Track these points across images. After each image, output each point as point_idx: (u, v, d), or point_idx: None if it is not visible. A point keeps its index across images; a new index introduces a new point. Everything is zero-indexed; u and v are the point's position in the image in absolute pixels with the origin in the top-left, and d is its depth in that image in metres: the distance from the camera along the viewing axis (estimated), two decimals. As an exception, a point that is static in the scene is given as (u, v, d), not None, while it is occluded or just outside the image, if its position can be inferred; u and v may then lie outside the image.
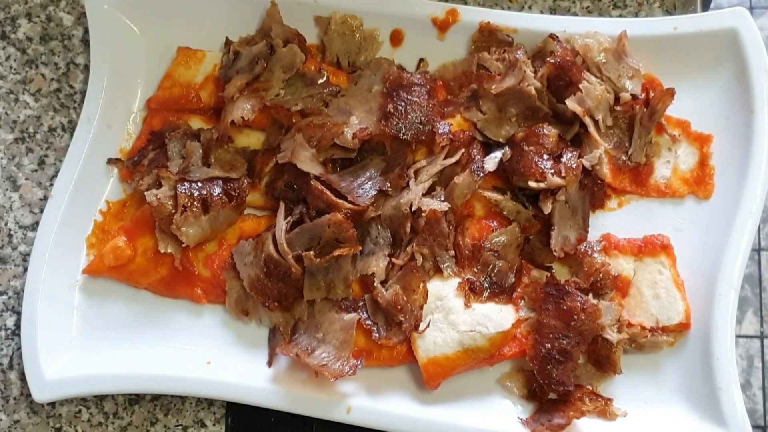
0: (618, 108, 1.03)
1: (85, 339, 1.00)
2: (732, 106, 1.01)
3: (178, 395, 1.02)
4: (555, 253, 0.99)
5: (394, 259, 0.99)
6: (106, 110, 1.03)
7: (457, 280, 0.99)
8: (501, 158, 1.01)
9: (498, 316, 0.97)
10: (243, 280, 0.99)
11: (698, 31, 1.00)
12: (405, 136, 1.00)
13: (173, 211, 0.97)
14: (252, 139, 1.04)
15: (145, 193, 0.98)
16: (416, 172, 1.01)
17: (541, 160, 0.99)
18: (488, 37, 1.05)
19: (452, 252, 1.00)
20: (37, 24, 1.10)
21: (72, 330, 1.00)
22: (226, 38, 1.05)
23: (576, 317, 0.96)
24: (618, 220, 1.04)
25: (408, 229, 0.99)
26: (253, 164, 1.03)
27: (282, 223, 0.98)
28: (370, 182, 1.00)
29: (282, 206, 1.00)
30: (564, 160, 0.99)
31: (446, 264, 1.00)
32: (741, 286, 0.97)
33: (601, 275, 0.99)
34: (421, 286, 0.98)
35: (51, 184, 1.07)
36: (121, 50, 1.05)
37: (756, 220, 0.98)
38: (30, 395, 0.96)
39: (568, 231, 1.00)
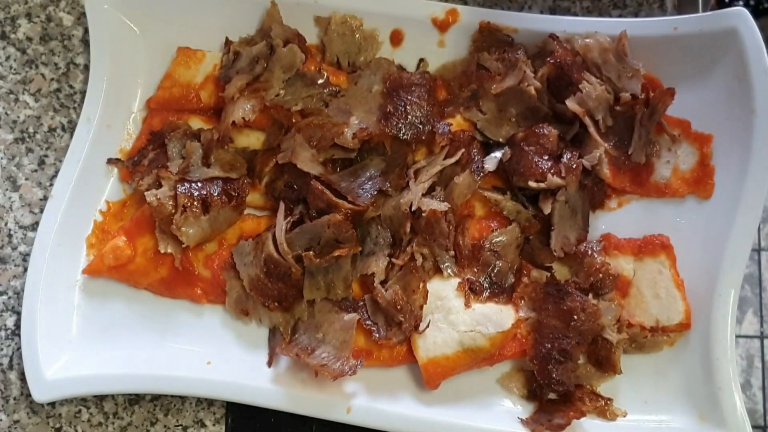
0: (618, 108, 1.03)
1: (85, 339, 1.00)
2: (732, 106, 1.01)
3: (178, 395, 1.02)
4: (555, 253, 0.99)
5: (394, 259, 0.99)
6: (106, 110, 1.03)
7: (457, 280, 0.99)
8: (501, 158, 1.01)
9: (498, 316, 0.97)
10: (243, 280, 0.99)
11: (698, 31, 1.00)
12: (405, 136, 1.00)
13: (173, 211, 0.97)
14: (252, 139, 1.04)
15: (145, 193, 0.98)
16: (416, 172, 1.01)
17: (541, 160, 0.99)
18: (488, 37, 1.05)
19: (452, 252, 1.00)
20: (37, 24, 1.10)
21: (72, 330, 1.00)
22: (226, 38, 1.05)
23: (576, 317, 0.96)
24: (618, 220, 1.04)
25: (408, 229, 0.99)
26: (253, 164, 1.03)
27: (282, 223, 0.98)
28: (370, 182, 1.00)
29: (282, 206, 1.00)
30: (564, 160, 0.99)
31: (446, 264, 1.00)
32: (741, 286, 0.97)
33: (601, 275, 0.99)
34: (421, 286, 0.98)
35: (51, 184, 1.07)
36: (121, 50, 1.05)
37: (756, 220, 0.98)
38: (30, 395, 0.96)
39: (568, 231, 1.00)
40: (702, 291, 0.98)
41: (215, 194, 0.99)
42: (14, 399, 1.03)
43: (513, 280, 1.01)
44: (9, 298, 1.05)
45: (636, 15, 1.13)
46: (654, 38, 1.03)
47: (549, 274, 1.01)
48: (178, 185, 0.98)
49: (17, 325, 1.04)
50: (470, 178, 1.00)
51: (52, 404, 1.03)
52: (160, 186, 0.99)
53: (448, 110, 1.04)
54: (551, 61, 1.00)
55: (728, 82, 1.01)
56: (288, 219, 0.99)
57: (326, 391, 0.96)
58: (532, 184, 0.99)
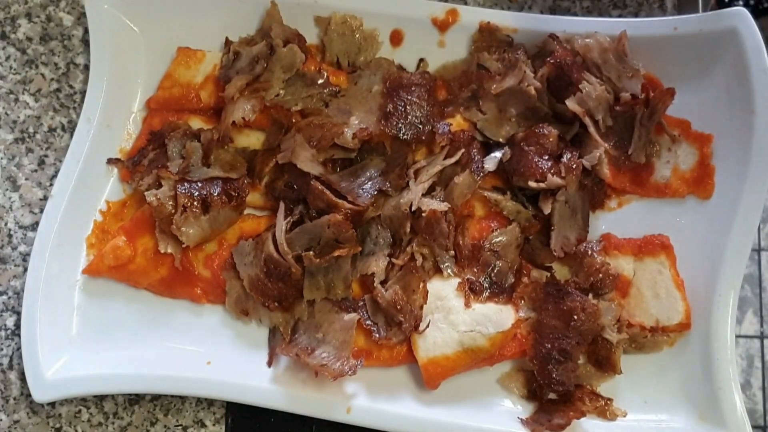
0: (618, 108, 1.03)
1: (85, 339, 1.00)
2: (732, 106, 1.01)
3: (178, 395, 1.02)
4: (555, 253, 0.99)
5: (394, 259, 0.99)
6: (106, 110, 1.03)
7: (457, 280, 0.99)
8: (501, 158, 1.01)
9: (498, 316, 0.97)
10: (243, 280, 0.99)
11: (698, 31, 1.00)
12: (405, 136, 1.00)
13: (173, 211, 0.97)
14: (252, 139, 1.04)
15: (145, 193, 0.98)
16: (416, 172, 1.01)
17: (541, 160, 0.99)
18: (488, 37, 1.05)
19: (452, 252, 1.00)
20: (37, 24, 1.10)
21: (72, 330, 1.00)
22: (226, 38, 1.05)
23: (576, 317, 0.96)
24: (618, 220, 1.04)
25: (408, 229, 0.99)
26: (253, 164, 1.03)
27: (282, 223, 0.98)
28: (370, 182, 1.00)
29: (282, 206, 1.00)
30: (564, 160, 0.99)
31: (446, 264, 1.00)
32: (741, 286, 0.97)
33: (601, 275, 0.99)
34: (421, 286, 0.98)
35: (51, 184, 1.07)
36: (121, 50, 1.05)
37: (756, 220, 0.98)
38: (30, 395, 0.96)
39: (568, 231, 1.00)
40: (702, 291, 0.98)
41: (215, 194, 0.99)
42: (14, 399, 1.03)
43: (513, 280, 1.01)
44: (9, 298, 1.05)
45: (636, 15, 1.13)
46: (654, 38, 1.03)
47: (549, 274, 1.01)
48: (178, 185, 0.98)
49: (17, 325, 1.04)
50: (470, 178, 1.00)
51: (52, 404, 1.03)
52: (160, 186, 0.99)
53: (448, 110, 1.04)
54: (551, 61, 1.00)
55: (728, 82, 1.01)
56: (288, 219, 0.99)
57: (326, 391, 0.96)
58: (532, 184, 0.99)
